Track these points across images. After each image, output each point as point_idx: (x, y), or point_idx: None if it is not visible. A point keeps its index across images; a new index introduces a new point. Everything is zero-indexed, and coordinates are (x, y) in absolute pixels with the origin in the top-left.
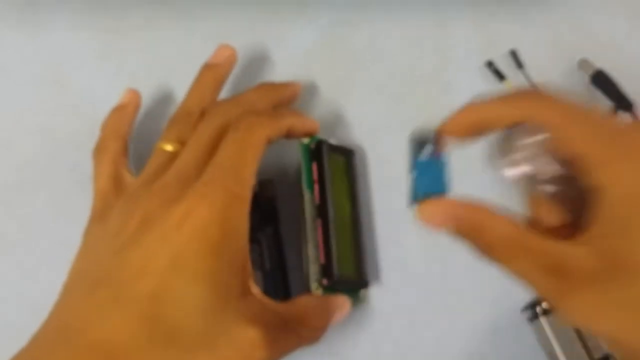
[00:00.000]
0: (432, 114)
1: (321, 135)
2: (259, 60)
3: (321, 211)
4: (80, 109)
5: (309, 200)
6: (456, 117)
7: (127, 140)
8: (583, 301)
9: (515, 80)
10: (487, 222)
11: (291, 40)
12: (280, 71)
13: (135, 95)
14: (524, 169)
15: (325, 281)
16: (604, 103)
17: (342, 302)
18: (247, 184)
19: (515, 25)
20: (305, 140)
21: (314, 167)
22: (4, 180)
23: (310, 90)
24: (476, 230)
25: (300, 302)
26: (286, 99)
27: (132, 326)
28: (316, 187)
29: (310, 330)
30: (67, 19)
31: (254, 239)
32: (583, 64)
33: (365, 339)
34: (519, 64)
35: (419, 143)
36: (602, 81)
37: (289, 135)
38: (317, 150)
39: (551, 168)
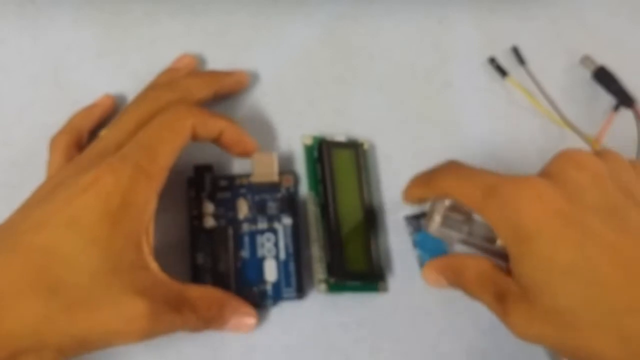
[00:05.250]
0: (434, 110)
1: (323, 132)
2: (259, 55)
3: (326, 211)
4: (80, 105)
5: (313, 201)
6: (405, 194)
7: (85, 135)
8: (516, 317)
9: (517, 76)
10: (464, 262)
11: (291, 35)
12: (280, 67)
13: (107, 99)
14: (437, 219)
15: (332, 279)
16: (606, 99)
17: (245, 310)
18: (160, 163)
19: (516, 21)
20: (308, 142)
21: (318, 168)
22: (4, 178)
23: (310, 86)
24: (458, 272)
25: (197, 289)
26: (228, 88)
27: (15, 273)
28: (320, 187)
29: (197, 318)
30: (66, 14)
31: (271, 228)
32: (585, 60)
33: (365, 334)
34: (520, 60)
35: (413, 219)
36: (604, 77)
37: (219, 142)
38: (319, 151)
39: (460, 215)
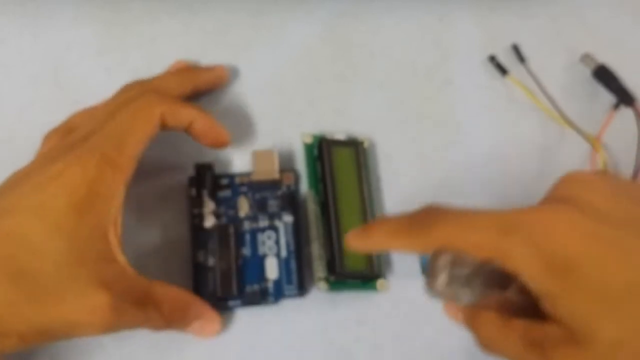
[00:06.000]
0: (434, 108)
1: (323, 130)
2: (259, 54)
3: (325, 209)
4: (80, 105)
5: (313, 199)
6: (360, 242)
7: None
8: None
9: (517, 74)
10: (478, 314)
11: (291, 33)
12: (280, 65)
13: None
14: (443, 278)
15: (332, 277)
16: (606, 97)
17: (209, 316)
18: (127, 153)
19: (517, 19)
20: (308, 140)
21: (318, 166)
22: (4, 178)
23: (310, 84)
24: (477, 325)
25: (163, 288)
26: (206, 83)
27: None
28: (320, 186)
29: (160, 317)
30: (66, 12)
31: (272, 226)
32: (585, 58)
33: (365, 332)
34: (521, 58)
35: None
36: (604, 76)
37: (190, 132)
38: (319, 150)
39: (465, 269)
